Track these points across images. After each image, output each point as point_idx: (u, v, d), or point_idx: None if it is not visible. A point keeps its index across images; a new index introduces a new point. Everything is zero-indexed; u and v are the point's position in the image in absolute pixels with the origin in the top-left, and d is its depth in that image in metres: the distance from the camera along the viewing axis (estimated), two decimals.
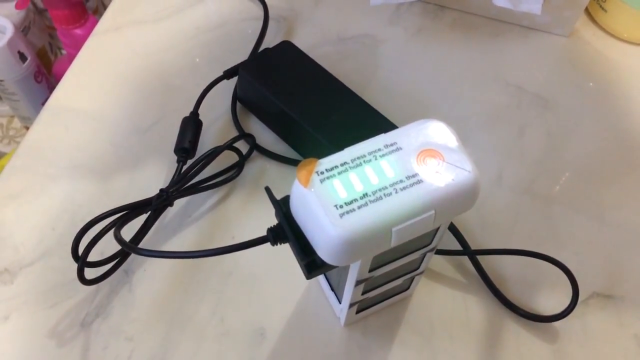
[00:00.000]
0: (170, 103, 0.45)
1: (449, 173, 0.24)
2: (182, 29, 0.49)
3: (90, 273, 0.35)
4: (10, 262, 0.37)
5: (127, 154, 0.42)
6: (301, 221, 0.25)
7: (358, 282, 0.29)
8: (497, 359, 0.35)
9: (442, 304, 0.37)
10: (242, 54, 0.47)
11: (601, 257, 0.39)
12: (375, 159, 0.24)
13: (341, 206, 0.23)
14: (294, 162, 0.41)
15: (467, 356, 0.35)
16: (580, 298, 0.37)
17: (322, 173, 0.24)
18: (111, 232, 0.33)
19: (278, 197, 0.26)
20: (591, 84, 0.47)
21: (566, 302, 0.35)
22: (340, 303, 0.34)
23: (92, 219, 0.34)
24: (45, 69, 0.95)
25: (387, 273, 0.30)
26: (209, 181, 0.39)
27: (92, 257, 0.34)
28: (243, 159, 0.40)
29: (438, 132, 0.25)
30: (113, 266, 0.36)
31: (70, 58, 0.70)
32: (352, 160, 0.24)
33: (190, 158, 0.40)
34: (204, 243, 0.38)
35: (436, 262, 0.38)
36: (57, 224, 0.39)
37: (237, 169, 0.40)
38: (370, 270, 0.28)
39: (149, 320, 0.36)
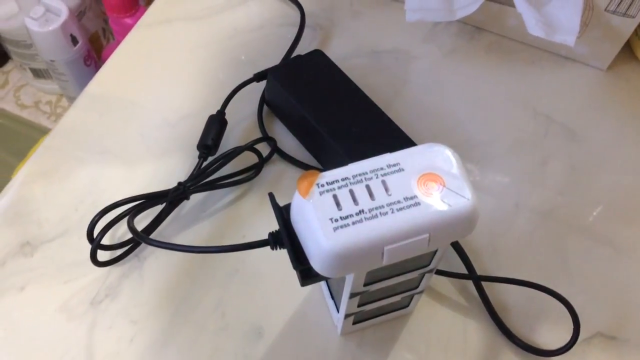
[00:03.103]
0: (201, 99, 0.46)
1: (448, 199, 0.24)
2: (222, 28, 0.51)
3: (104, 255, 0.36)
4: (33, 236, 0.39)
5: (153, 145, 0.44)
6: (298, 230, 0.25)
7: (352, 295, 0.29)
8: None
9: (441, 325, 0.37)
10: (276, 58, 0.48)
11: (611, 296, 0.38)
12: (377, 177, 0.25)
13: (336, 220, 0.24)
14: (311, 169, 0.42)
15: None
16: (584, 336, 0.36)
17: (322, 186, 0.24)
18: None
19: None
20: (625, 120, 0.46)
21: (568, 338, 0.35)
22: (338, 312, 0.34)
23: (109, 205, 0.35)
24: (95, 54, 0.99)
25: (384, 289, 0.30)
26: (227, 179, 0.40)
27: (109, 240, 0.36)
28: (262, 161, 0.41)
29: (442, 158, 0.26)
30: (125, 251, 0.37)
31: None
32: (354, 177, 0.25)
33: (212, 155, 0.41)
34: (216, 239, 0.40)
35: (440, 282, 0.38)
36: (80, 205, 0.41)
37: (255, 170, 0.41)
38: (365, 285, 0.28)
39: (155, 306, 0.37)
